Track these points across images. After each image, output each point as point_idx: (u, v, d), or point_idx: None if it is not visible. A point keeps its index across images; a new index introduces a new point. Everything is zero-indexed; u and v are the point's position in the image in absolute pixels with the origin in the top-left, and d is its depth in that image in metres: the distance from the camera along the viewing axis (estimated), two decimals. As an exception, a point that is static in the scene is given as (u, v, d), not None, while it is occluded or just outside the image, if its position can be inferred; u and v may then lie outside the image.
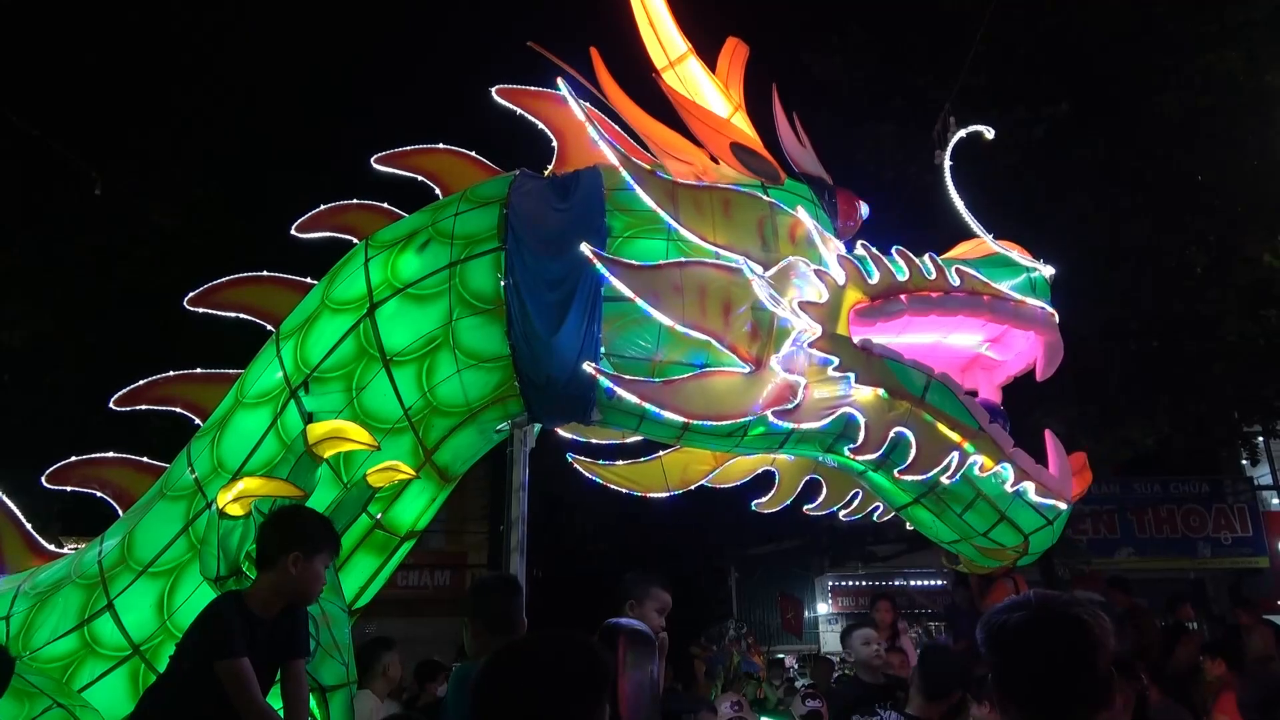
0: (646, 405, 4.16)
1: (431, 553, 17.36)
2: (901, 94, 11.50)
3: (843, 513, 5.21)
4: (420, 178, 4.81)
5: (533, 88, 4.67)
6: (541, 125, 4.75)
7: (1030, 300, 4.65)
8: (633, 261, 4.26)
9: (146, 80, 10.55)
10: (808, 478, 5.22)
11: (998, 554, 4.81)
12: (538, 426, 4.92)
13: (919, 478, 4.42)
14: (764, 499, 5.30)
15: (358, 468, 4.16)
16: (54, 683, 3.97)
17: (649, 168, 4.44)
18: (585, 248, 4.15)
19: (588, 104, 4.43)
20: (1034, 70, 10.80)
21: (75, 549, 4.71)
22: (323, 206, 4.71)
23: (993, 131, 5.50)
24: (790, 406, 4.24)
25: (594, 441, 5.19)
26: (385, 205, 4.78)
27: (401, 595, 15.41)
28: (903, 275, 4.44)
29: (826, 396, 4.30)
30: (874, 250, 4.53)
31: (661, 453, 5.19)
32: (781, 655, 18.71)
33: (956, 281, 4.51)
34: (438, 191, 4.80)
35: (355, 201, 4.76)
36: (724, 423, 4.27)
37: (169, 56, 10.44)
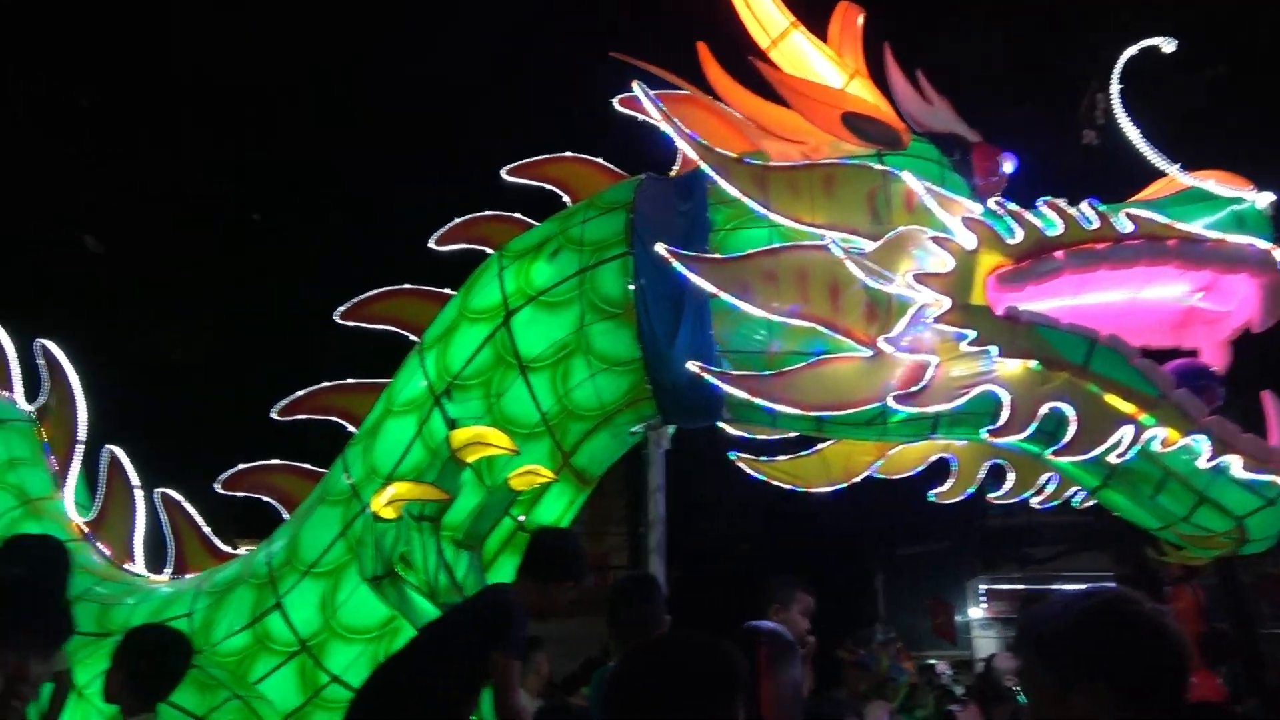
0: (757, 400, 4.05)
1: (574, 554, 17.62)
2: (1040, 72, 10.90)
3: (1035, 500, 4.71)
4: (550, 187, 4.91)
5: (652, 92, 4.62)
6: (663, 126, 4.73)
7: (1236, 237, 4.02)
8: (715, 255, 4.17)
9: (284, 110, 11.25)
10: (990, 463, 4.75)
11: (1208, 542, 4.26)
12: (672, 428, 4.93)
13: (1079, 457, 4.00)
14: (942, 489, 4.85)
15: (500, 471, 4.28)
16: (231, 675, 4.28)
17: (735, 156, 4.31)
18: (660, 247, 4.11)
19: (662, 102, 4.33)
20: (1186, 33, 9.99)
21: (248, 550, 5.05)
22: (458, 220, 4.88)
23: (1174, 43, 4.69)
24: (914, 390, 3.95)
25: (759, 438, 4.96)
26: (517, 215, 4.90)
27: (547, 596, 15.69)
28: (1055, 229, 3.99)
29: (963, 374, 3.98)
30: (1012, 207, 4.13)
31: (822, 445, 4.92)
32: (932, 661, 18.07)
33: (1128, 228, 3.98)
34: (566, 199, 4.89)
35: (488, 213, 4.91)
36: (846, 412, 4.07)
37: (291, 84, 11.07)
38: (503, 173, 4.82)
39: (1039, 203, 4.10)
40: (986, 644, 18.58)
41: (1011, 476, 4.70)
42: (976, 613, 20.99)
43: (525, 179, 4.88)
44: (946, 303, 3.90)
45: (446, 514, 4.16)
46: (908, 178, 4.15)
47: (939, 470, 4.89)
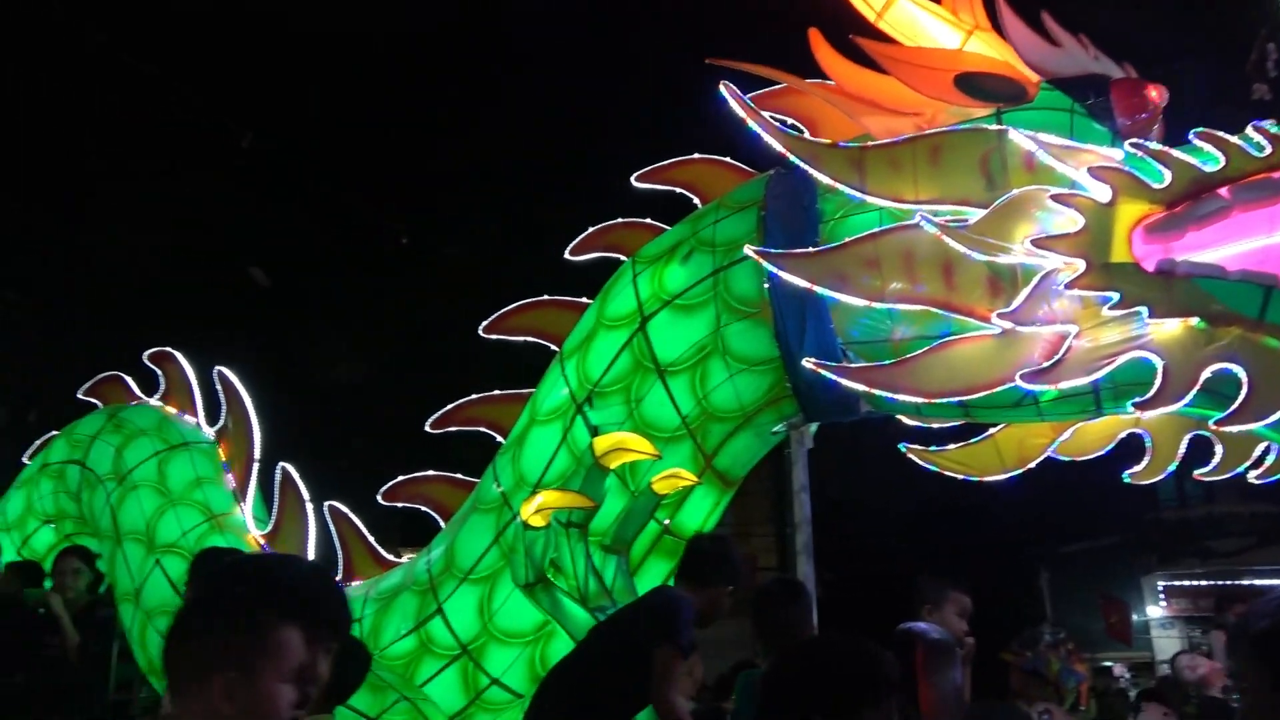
0: (875, 392, 3.90)
1: (721, 557, 17.62)
2: (1201, 23, 10.09)
3: (1253, 474, 4.15)
4: (680, 190, 4.92)
5: (768, 87, 4.49)
6: (792, 120, 4.63)
7: None
8: (807, 250, 4.02)
9: (438, 139, 11.79)
10: (1191, 435, 4.22)
11: None
12: (814, 426, 4.84)
13: (1255, 424, 3.50)
14: (1138, 468, 4.41)
15: (643, 476, 4.32)
16: (400, 678, 4.48)
17: (829, 142, 4.15)
18: (748, 248, 4.02)
19: (762, 97, 4.24)
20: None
21: (410, 558, 5.29)
22: (591, 229, 4.96)
23: None
24: (1044, 367, 3.61)
25: (933, 426, 4.70)
26: (648, 220, 4.93)
27: (696, 599, 15.75)
28: (1214, 164, 3.51)
29: (1111, 342, 3.59)
30: (1155, 147, 3.68)
31: (993, 431, 4.58)
32: (1109, 663, 16.99)
33: None
34: (696, 202, 4.89)
35: (621, 220, 4.96)
36: (977, 395, 3.80)
37: (430, 113, 11.57)
38: (633, 179, 4.87)
39: (1191, 135, 3.65)
40: (1168, 644, 17.31)
41: (1220, 450, 4.17)
42: (1155, 611, 19.58)
43: (655, 184, 4.91)
44: (1080, 265, 3.54)
45: (593, 520, 4.22)
46: (1014, 135, 3.81)
47: (1131, 449, 4.43)
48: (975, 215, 3.75)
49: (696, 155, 4.91)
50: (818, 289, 3.94)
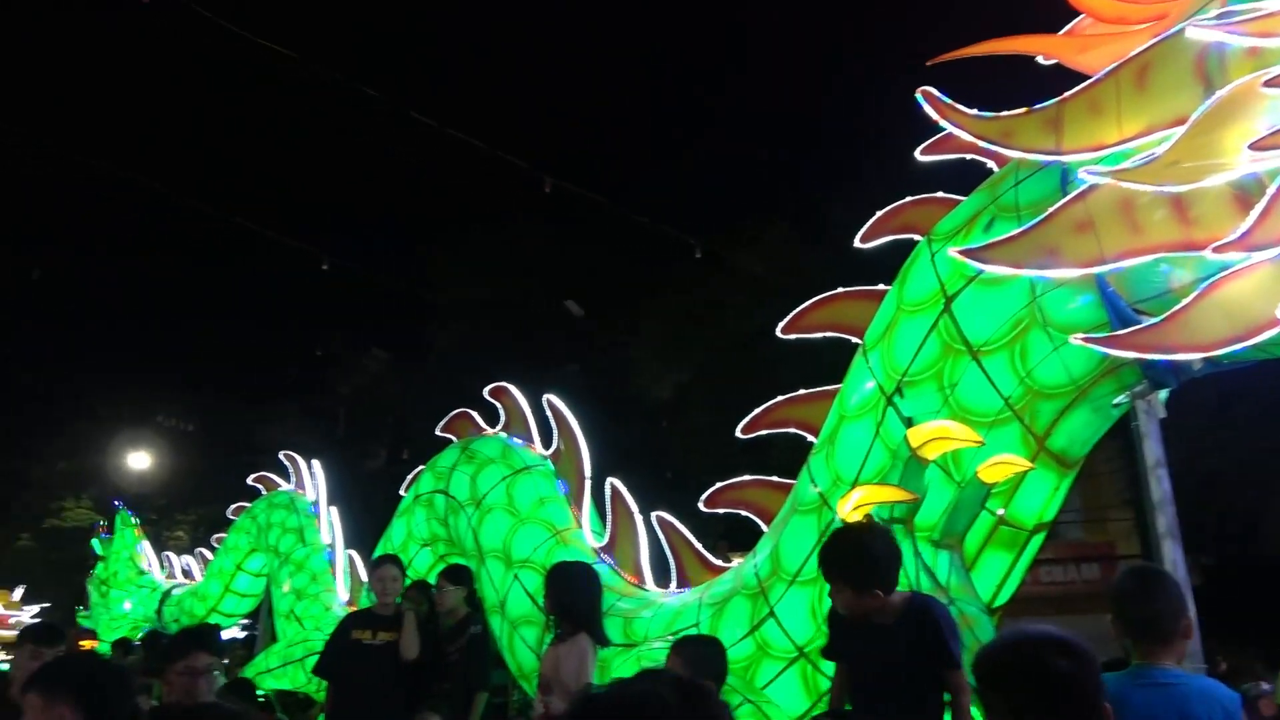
0: (1148, 356, 3.38)
1: (1071, 545, 16.18)
2: None
3: None
4: (971, 157, 4.59)
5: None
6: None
7: None
8: (1002, 237, 3.63)
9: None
10: None
11: None
12: (1163, 393, 4.27)
13: None
14: None
15: (967, 465, 4.06)
16: (742, 681, 4.57)
17: (1022, 111, 3.70)
18: (952, 250, 3.72)
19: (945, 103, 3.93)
20: None
21: (738, 563, 5.40)
22: (879, 213, 4.77)
23: None
24: None
25: None
26: (940, 194, 4.65)
27: (1047, 592, 14.60)
28: None
29: None
30: None
31: None
32: None
33: None
34: (992, 166, 4.53)
35: (910, 199, 4.73)
36: (1264, 336, 3.15)
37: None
38: (917, 154, 4.60)
39: None
40: None
41: None
42: None
43: (941, 154, 4.60)
44: None
45: (918, 514, 4.04)
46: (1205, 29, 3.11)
47: None
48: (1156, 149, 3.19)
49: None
50: (1024, 272, 3.60)
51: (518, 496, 6.58)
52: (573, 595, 4.28)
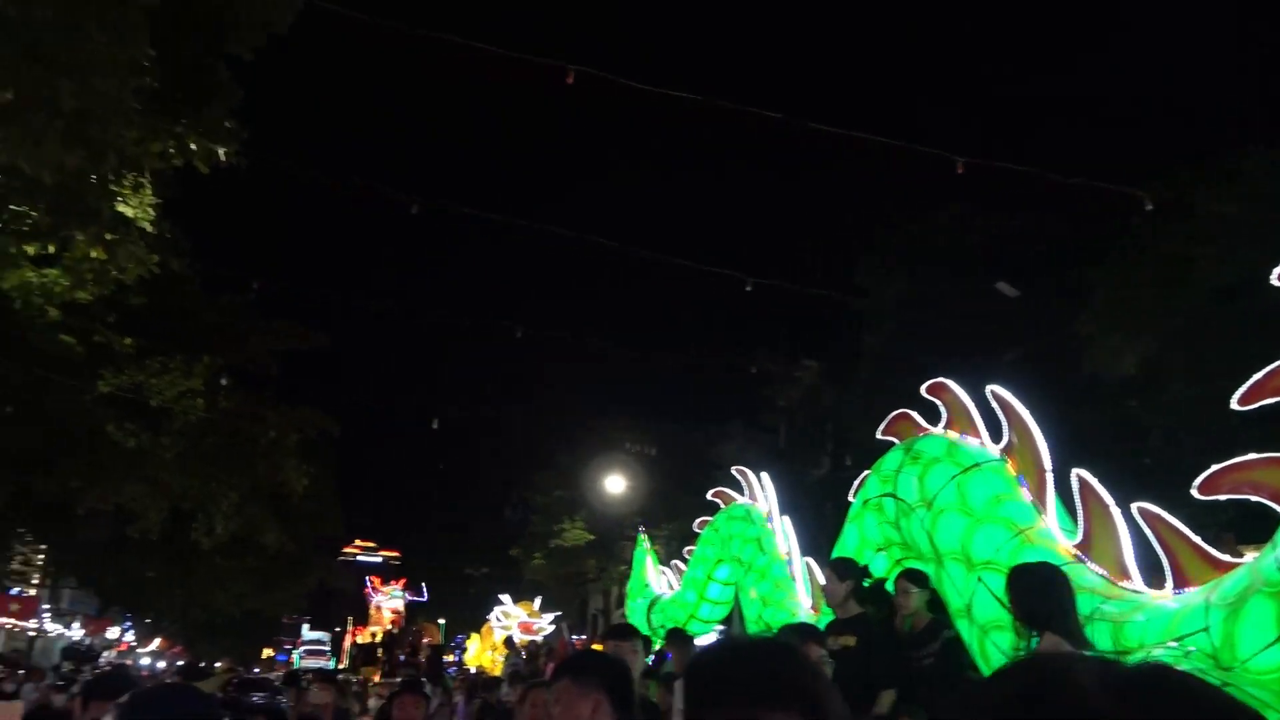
0: None
1: None
2: None
3: None
4: None
5: None
6: None
7: None
8: None
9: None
10: None
11: None
12: None
13: None
14: None
15: None
16: (1274, 694, 3.86)
17: None
18: None
19: None
20: None
21: (1253, 556, 4.59)
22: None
23: None
24: None
25: None
26: None
27: None
28: None
29: None
30: None
31: None
32: None
33: None
34: None
35: None
36: None
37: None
38: None
39: None
40: None
41: None
42: None
43: None
44: None
45: None
46: None
47: None
48: None
49: None
50: None
51: (970, 495, 6.26)
52: (1037, 599, 3.95)
